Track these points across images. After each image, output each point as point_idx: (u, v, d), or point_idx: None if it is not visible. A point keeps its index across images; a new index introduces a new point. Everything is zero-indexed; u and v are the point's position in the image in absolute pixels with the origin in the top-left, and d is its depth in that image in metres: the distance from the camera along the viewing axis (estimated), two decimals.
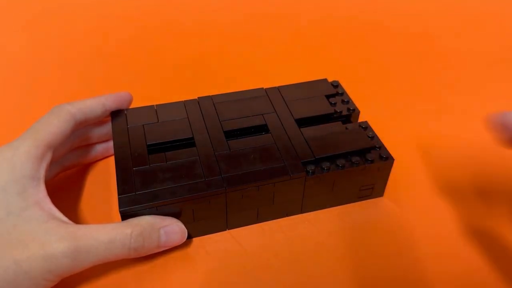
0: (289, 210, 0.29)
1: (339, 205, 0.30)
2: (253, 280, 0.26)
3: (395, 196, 0.31)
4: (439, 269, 0.27)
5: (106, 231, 0.23)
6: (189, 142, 0.29)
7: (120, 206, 0.25)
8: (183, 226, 0.27)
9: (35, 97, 0.39)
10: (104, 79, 0.35)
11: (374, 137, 0.30)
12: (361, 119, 0.32)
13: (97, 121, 0.31)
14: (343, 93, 0.34)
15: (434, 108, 0.39)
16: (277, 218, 0.29)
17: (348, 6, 0.54)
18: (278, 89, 0.34)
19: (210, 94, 0.33)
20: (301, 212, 0.30)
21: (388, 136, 0.30)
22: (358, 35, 0.49)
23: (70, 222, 0.24)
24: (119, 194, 0.25)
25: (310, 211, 0.30)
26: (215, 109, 0.32)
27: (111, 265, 0.26)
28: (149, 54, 0.46)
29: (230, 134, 0.30)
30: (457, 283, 0.26)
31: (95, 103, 0.29)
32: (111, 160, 0.28)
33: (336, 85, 0.35)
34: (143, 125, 0.30)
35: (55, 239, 0.22)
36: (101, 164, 0.33)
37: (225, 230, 0.29)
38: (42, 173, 0.25)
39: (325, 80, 0.35)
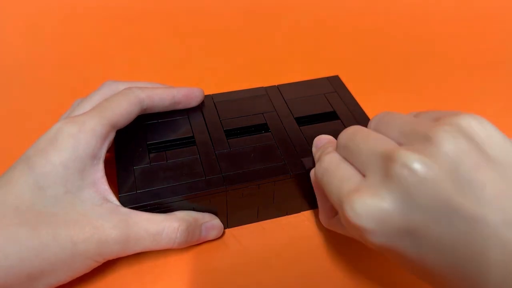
0: (290, 209, 0.29)
1: None
2: (253, 279, 0.26)
3: None
4: None
5: (156, 223, 0.24)
6: (189, 141, 0.29)
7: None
8: (220, 223, 0.27)
9: (35, 97, 0.39)
10: (104, 79, 0.35)
11: None
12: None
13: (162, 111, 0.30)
14: (343, 91, 0.34)
15: (434, 107, 0.39)
16: (278, 216, 0.29)
17: (348, 4, 0.54)
18: (278, 87, 0.34)
19: (210, 93, 0.33)
20: (301, 210, 0.30)
21: None
22: (359, 33, 0.49)
23: (120, 205, 0.25)
24: (119, 193, 0.25)
25: (310, 209, 0.30)
26: (216, 108, 0.32)
27: (110, 264, 0.26)
28: (148, 53, 0.46)
29: (231, 133, 0.30)
30: None
31: (166, 93, 0.29)
32: (112, 159, 0.28)
33: (336, 80, 0.35)
34: (143, 124, 0.30)
35: (109, 225, 0.23)
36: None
37: (226, 228, 0.29)
38: (103, 152, 0.25)
39: (325, 78, 0.35)
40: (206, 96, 0.33)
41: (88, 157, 0.24)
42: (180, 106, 0.30)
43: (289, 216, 0.30)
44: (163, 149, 0.29)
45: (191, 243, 0.26)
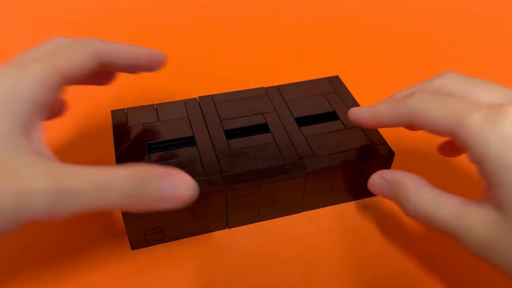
0: (290, 209, 0.29)
1: (340, 203, 0.30)
2: (253, 279, 0.26)
3: None
4: (441, 267, 0.27)
5: (98, 171, 0.19)
6: (189, 141, 0.29)
7: None
8: (192, 179, 0.21)
9: None
10: None
11: (374, 134, 0.30)
12: None
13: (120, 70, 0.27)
14: (343, 91, 0.34)
15: None
16: (278, 217, 0.29)
17: (348, 3, 0.54)
18: (278, 88, 0.34)
19: (210, 94, 0.33)
20: (301, 210, 0.30)
21: (389, 133, 0.30)
22: (359, 33, 0.49)
23: (59, 162, 0.20)
24: None
25: (310, 209, 0.30)
26: (216, 108, 0.32)
27: (109, 262, 0.26)
28: None
29: (230, 133, 0.30)
30: (458, 280, 0.26)
31: (128, 51, 0.25)
32: (112, 158, 0.28)
33: (336, 80, 0.35)
34: (143, 124, 0.30)
35: (34, 173, 0.18)
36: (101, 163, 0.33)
37: (226, 228, 0.29)
38: (46, 102, 0.21)
39: (325, 79, 0.35)
40: (206, 97, 0.33)
41: (25, 101, 0.20)
42: (140, 69, 0.27)
43: (289, 216, 0.30)
44: (163, 149, 0.29)
45: (153, 201, 0.20)
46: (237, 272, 0.26)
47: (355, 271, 0.26)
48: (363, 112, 0.26)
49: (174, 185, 0.20)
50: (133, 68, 0.26)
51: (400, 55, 0.46)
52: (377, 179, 0.26)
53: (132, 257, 0.27)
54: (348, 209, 0.30)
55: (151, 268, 0.27)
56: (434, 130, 0.22)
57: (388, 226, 0.29)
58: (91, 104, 0.38)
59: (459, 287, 0.26)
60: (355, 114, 0.26)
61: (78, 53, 0.23)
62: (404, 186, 0.24)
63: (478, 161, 0.20)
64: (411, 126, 0.25)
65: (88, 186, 0.18)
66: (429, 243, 0.28)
